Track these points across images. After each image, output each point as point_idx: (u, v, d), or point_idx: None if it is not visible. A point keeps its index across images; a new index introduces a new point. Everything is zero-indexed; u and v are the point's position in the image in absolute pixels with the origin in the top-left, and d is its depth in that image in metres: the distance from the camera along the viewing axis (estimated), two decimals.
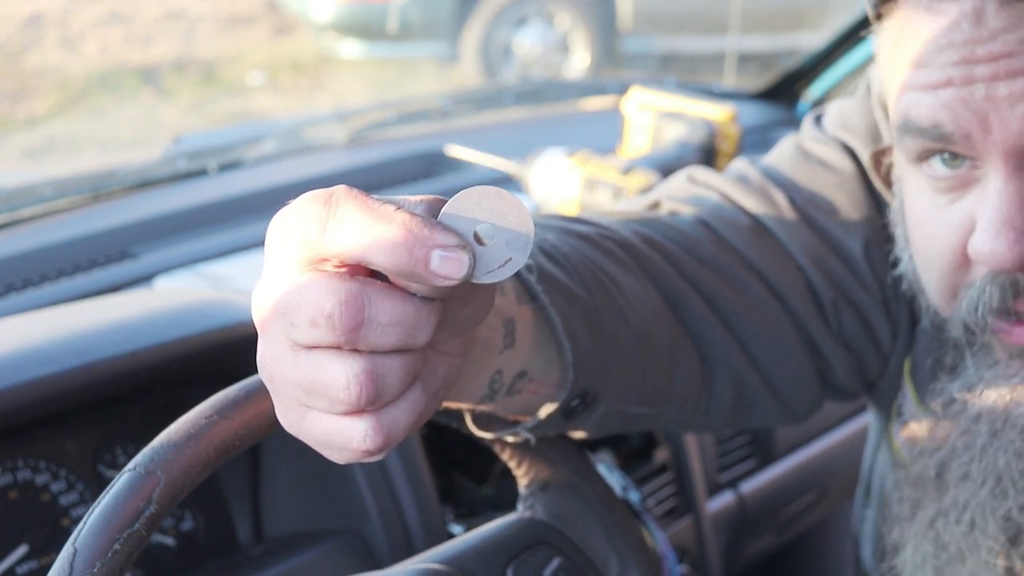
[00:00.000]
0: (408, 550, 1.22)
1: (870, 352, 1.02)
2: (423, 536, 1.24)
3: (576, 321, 0.80)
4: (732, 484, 1.70)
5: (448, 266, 0.56)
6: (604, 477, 0.99)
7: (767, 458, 1.76)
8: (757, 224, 0.99)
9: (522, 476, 0.97)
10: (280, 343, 0.59)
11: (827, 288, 0.99)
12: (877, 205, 1.00)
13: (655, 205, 1.02)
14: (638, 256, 0.92)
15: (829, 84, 2.27)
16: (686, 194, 1.03)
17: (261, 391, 0.79)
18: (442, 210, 0.58)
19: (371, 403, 0.58)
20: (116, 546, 0.72)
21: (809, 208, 1.00)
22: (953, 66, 0.77)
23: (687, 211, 0.99)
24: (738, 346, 0.96)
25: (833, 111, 1.07)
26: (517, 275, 0.78)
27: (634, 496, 1.25)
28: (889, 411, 1.05)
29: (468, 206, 0.57)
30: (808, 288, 0.99)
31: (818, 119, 1.08)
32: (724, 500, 1.68)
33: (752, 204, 1.00)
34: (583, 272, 0.84)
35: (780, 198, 1.00)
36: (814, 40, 3.04)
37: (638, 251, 0.92)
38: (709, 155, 1.82)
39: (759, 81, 2.45)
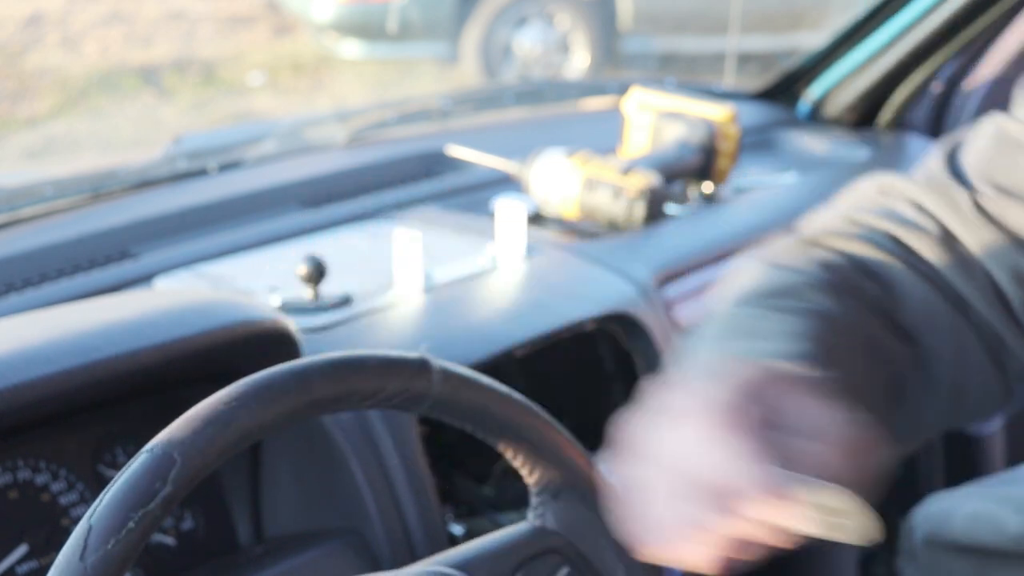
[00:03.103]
0: (408, 550, 1.22)
1: None
2: (423, 536, 1.24)
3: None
4: None
5: None
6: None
7: None
8: (944, 232, 0.97)
9: (533, 483, 0.97)
10: (669, 481, 0.69)
11: (1014, 286, 0.95)
12: None
13: (850, 221, 1.00)
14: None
15: (829, 84, 2.27)
16: (877, 207, 1.00)
17: (284, 382, 0.79)
18: None
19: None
20: (131, 524, 0.73)
21: (994, 206, 0.96)
22: None
23: (881, 229, 0.98)
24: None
25: None
26: None
27: None
28: None
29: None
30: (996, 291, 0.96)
31: None
32: None
33: (938, 210, 0.97)
34: None
35: (963, 200, 0.97)
36: (814, 40, 3.03)
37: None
38: (709, 155, 1.82)
39: (759, 81, 2.44)
